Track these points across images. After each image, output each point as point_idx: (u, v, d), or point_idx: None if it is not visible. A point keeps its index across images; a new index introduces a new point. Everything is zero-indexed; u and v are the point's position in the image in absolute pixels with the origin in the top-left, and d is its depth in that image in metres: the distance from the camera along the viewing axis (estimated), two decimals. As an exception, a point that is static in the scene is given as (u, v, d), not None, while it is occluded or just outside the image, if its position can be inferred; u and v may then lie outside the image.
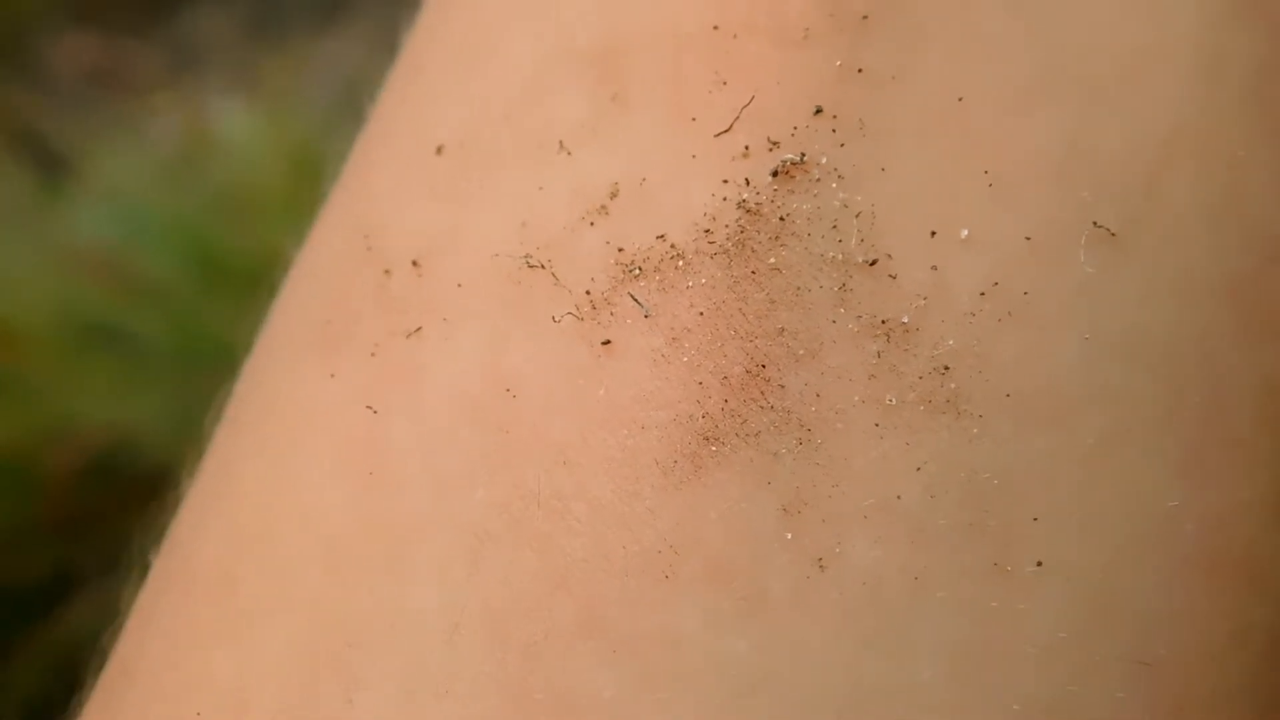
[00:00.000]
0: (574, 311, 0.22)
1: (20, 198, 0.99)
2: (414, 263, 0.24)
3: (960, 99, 0.22)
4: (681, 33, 0.23)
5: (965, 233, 0.22)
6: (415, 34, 0.27)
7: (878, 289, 0.22)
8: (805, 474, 0.21)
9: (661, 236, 0.22)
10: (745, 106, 0.23)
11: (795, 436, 0.22)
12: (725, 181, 0.22)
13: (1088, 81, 0.23)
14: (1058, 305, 0.22)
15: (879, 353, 0.22)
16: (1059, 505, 0.22)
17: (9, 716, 0.80)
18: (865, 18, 0.23)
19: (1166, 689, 0.22)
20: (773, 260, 0.22)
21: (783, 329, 0.22)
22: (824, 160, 0.22)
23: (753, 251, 0.22)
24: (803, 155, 0.22)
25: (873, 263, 0.22)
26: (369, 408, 0.23)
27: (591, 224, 0.23)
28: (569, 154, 0.23)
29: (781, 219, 0.22)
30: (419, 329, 0.23)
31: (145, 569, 0.26)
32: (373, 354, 0.24)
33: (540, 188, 0.23)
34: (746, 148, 0.22)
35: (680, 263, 0.22)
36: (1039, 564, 0.22)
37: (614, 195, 0.23)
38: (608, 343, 0.22)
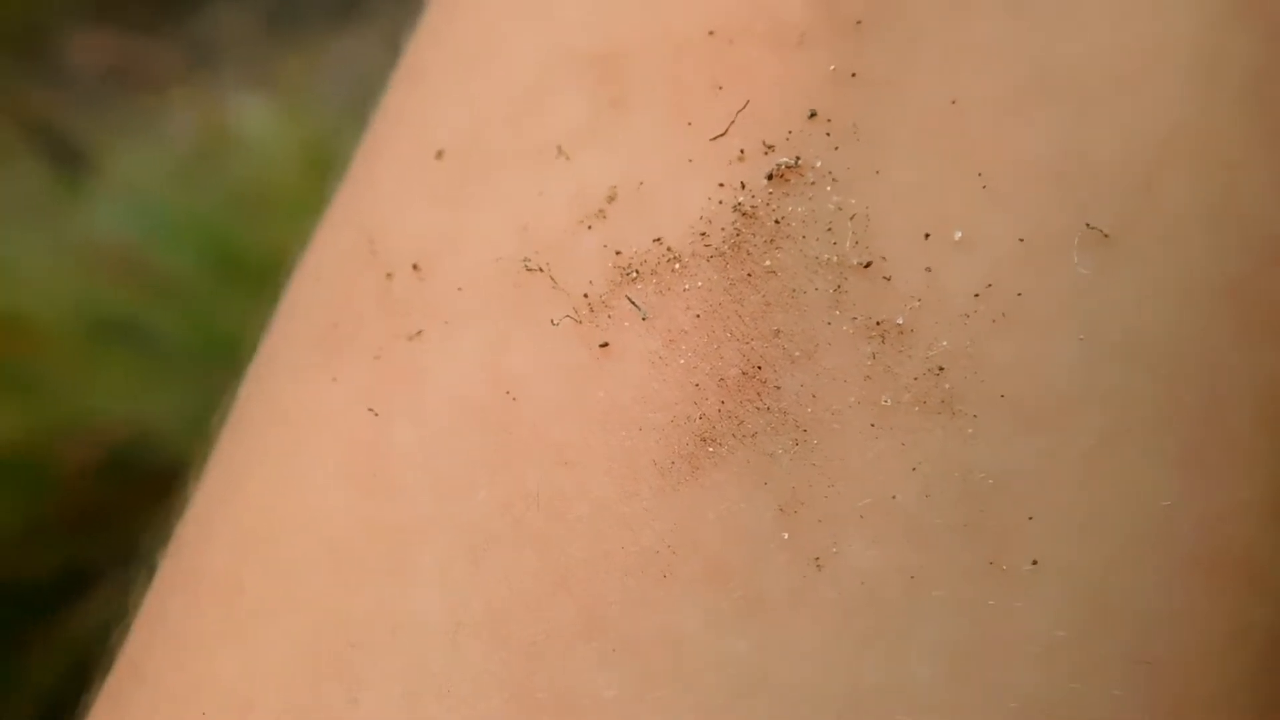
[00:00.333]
0: (572, 314, 0.23)
1: (38, 194, 1.00)
2: (415, 266, 0.24)
3: (954, 101, 0.22)
4: (679, 38, 0.23)
5: (959, 235, 0.22)
6: (417, 38, 0.28)
7: (872, 291, 0.22)
8: (802, 474, 0.21)
9: (658, 240, 0.23)
10: (741, 110, 0.23)
11: (791, 437, 0.22)
12: (721, 185, 0.22)
13: (1083, 83, 0.23)
14: (1052, 306, 0.22)
15: (874, 354, 0.22)
16: (1056, 505, 0.22)
17: (24, 711, 0.80)
18: (859, 22, 0.23)
19: (1166, 688, 0.22)
20: (768, 263, 0.22)
21: (778, 331, 0.22)
22: (819, 163, 0.22)
23: (748, 254, 0.22)
24: (798, 159, 0.22)
25: (867, 265, 0.22)
26: (371, 410, 0.23)
27: (590, 227, 0.23)
28: (568, 158, 0.23)
29: (777, 222, 0.22)
30: (420, 332, 0.23)
31: (152, 570, 0.26)
32: (375, 357, 0.24)
33: (540, 192, 0.23)
34: (742, 151, 0.23)
35: (677, 265, 0.22)
36: (1034, 563, 0.22)
37: (612, 199, 0.23)
38: (606, 345, 0.22)
